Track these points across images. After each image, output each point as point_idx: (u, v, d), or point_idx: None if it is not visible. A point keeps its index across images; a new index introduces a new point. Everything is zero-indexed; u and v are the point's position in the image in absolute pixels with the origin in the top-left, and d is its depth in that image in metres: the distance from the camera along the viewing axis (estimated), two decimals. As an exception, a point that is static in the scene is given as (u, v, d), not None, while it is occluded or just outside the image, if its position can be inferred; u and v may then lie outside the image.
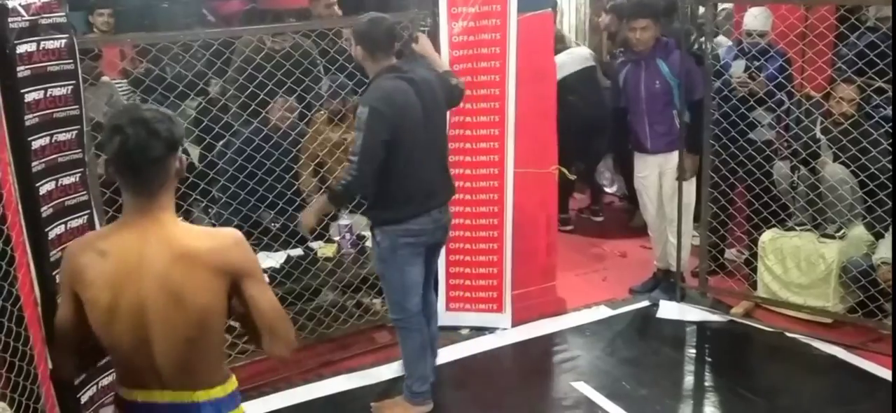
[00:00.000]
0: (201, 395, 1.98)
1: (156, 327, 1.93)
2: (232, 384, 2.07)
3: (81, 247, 2.03)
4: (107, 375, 3.40)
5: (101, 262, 1.94)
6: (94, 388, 3.35)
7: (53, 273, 3.13)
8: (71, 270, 2.01)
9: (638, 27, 4.62)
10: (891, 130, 4.11)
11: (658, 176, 4.79)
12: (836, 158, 4.40)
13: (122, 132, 1.87)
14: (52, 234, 3.15)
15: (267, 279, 4.07)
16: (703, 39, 4.77)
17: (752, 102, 4.55)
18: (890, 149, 4.07)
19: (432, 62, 3.84)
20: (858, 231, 4.35)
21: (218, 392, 2.01)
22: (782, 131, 4.67)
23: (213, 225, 4.38)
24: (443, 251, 4.41)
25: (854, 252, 4.28)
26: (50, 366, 3.09)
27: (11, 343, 2.94)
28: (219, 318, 1.98)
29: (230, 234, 1.98)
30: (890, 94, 4.16)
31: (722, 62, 4.72)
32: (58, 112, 3.15)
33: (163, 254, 1.91)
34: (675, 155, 4.69)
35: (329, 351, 4.29)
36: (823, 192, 4.41)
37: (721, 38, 5.28)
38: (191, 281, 1.90)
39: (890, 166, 4.03)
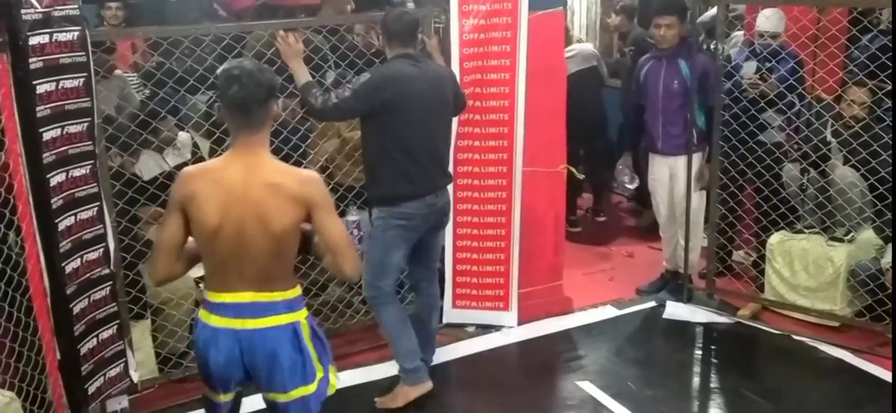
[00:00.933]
0: (277, 296, 2.45)
1: (248, 242, 2.37)
2: (298, 290, 2.52)
3: (197, 174, 2.46)
4: (114, 367, 3.44)
5: (214, 188, 2.37)
6: (102, 380, 3.38)
7: (63, 264, 3.17)
8: (185, 193, 2.40)
9: (663, 24, 4.60)
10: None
11: (669, 177, 4.78)
12: (846, 161, 4.39)
13: (239, 80, 2.33)
14: (61, 226, 3.18)
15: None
16: (714, 42, 4.75)
17: (762, 104, 4.52)
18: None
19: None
20: (867, 235, 4.33)
21: (289, 294, 2.47)
22: (792, 134, 4.64)
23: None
24: (450, 249, 4.44)
25: (863, 256, 4.26)
26: (58, 356, 3.13)
27: (20, 333, 2.97)
28: (294, 237, 2.43)
29: (308, 175, 2.49)
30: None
31: (733, 63, 4.69)
32: (69, 104, 3.17)
33: (259, 183, 2.36)
34: (685, 158, 4.68)
35: (335, 346, 4.26)
36: (833, 194, 4.39)
37: (737, 35, 5.24)
38: (276, 207, 2.35)
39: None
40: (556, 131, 4.63)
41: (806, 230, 4.49)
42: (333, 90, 3.56)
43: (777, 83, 4.48)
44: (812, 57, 4.73)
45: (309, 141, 4.40)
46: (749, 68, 4.61)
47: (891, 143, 4.11)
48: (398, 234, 3.58)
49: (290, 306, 2.48)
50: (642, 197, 5.71)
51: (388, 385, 3.87)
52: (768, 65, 4.53)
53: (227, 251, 2.39)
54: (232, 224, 2.36)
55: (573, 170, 4.82)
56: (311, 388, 2.54)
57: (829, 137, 4.50)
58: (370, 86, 3.46)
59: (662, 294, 4.87)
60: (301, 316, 2.51)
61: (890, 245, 4.16)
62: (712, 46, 4.74)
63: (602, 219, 6.41)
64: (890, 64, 4.11)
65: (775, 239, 4.55)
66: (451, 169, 3.86)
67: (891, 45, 4.33)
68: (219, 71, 2.45)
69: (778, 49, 4.54)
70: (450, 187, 3.83)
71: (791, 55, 4.56)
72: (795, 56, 4.58)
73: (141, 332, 3.73)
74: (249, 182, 2.36)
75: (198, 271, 4.09)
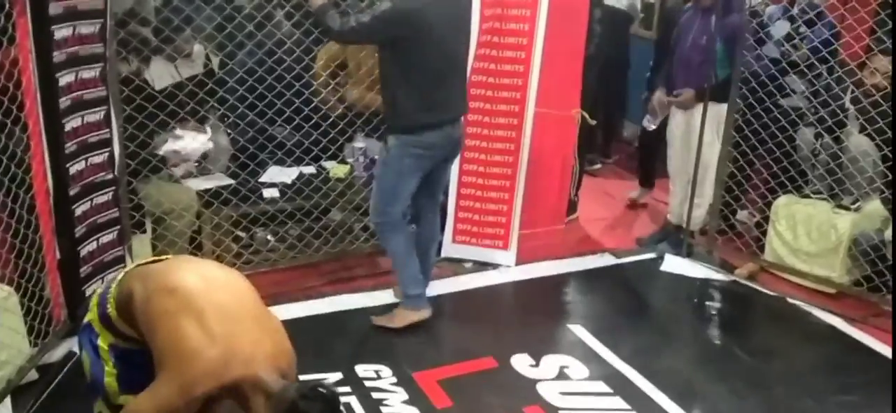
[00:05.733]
0: None
1: None
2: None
3: None
4: (112, 271, 3.50)
5: None
6: (100, 282, 3.44)
7: (67, 165, 3.20)
8: None
9: None
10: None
11: (685, 129, 4.75)
12: (862, 130, 4.32)
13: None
14: (68, 127, 3.20)
15: (276, 194, 4.17)
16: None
17: (784, 65, 4.44)
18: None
19: None
20: (874, 205, 4.30)
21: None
22: (810, 97, 4.57)
23: (229, 134, 4.41)
24: (454, 184, 4.45)
25: (867, 225, 4.24)
26: (58, 256, 3.19)
27: (22, 230, 3.02)
28: None
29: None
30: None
31: (766, 15, 4.59)
32: (82, 4, 3.16)
33: None
34: (699, 109, 4.62)
35: (333, 270, 4.35)
36: (845, 162, 4.35)
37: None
38: None
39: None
40: (571, 74, 4.59)
41: (813, 195, 4.46)
42: (353, 13, 3.50)
43: (809, 53, 4.38)
44: (839, 20, 4.63)
45: (312, 54, 4.35)
46: (781, 28, 4.51)
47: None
48: (414, 163, 3.59)
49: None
50: (643, 171, 5.66)
51: (384, 310, 3.92)
52: (802, 30, 4.43)
53: None
54: None
55: (586, 115, 4.78)
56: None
57: (848, 104, 4.43)
58: (391, 13, 3.37)
59: (662, 246, 4.87)
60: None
61: (896, 217, 4.13)
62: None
63: (597, 166, 6.38)
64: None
65: (781, 201, 4.52)
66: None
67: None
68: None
69: (814, 17, 4.42)
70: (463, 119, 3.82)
71: (828, 25, 4.45)
72: (833, 26, 4.47)
73: (140, 242, 3.78)
74: None
75: (201, 183, 4.17)
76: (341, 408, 1.99)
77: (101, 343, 2.19)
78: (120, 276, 2.23)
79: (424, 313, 3.81)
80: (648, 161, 5.61)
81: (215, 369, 1.90)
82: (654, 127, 4.95)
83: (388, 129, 3.65)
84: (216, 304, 2.01)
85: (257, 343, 2.00)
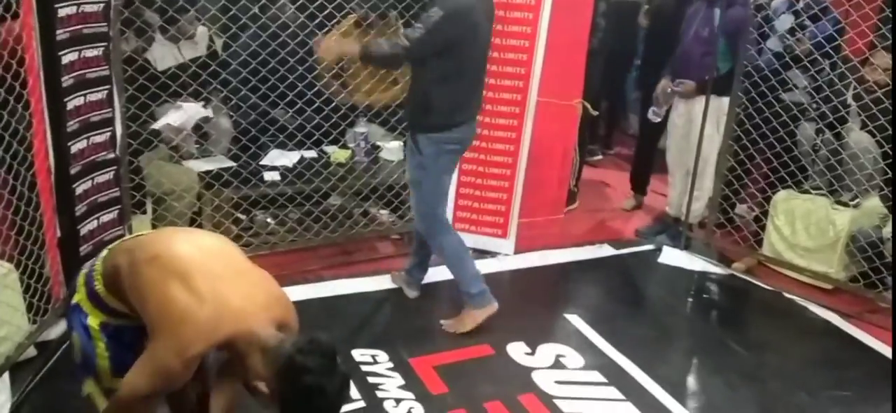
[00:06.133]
0: None
1: None
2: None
3: None
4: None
5: None
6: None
7: (69, 144, 3.21)
8: None
9: None
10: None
11: (686, 120, 4.76)
12: (863, 126, 4.33)
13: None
14: (70, 106, 3.20)
15: (277, 177, 4.17)
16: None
17: (787, 59, 4.43)
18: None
19: None
20: (874, 202, 4.31)
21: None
22: (813, 92, 4.56)
23: (231, 117, 4.42)
24: (455, 171, 4.45)
25: (866, 222, 4.24)
26: (58, 234, 3.20)
27: (23, 207, 3.02)
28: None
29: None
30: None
31: (772, 11, 4.58)
32: (86, -18, 3.15)
33: None
34: (701, 102, 4.63)
35: (331, 254, 4.37)
36: (845, 158, 4.35)
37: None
38: None
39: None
40: (575, 64, 4.59)
41: (813, 191, 4.47)
42: (402, 32, 3.44)
43: (811, 48, 4.36)
44: (844, 16, 4.61)
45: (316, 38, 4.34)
46: (785, 22, 4.51)
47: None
48: (449, 159, 3.60)
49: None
50: (636, 179, 5.65)
51: (382, 298, 3.94)
52: (806, 23, 4.41)
53: None
54: None
55: (587, 105, 4.78)
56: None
57: (849, 100, 4.43)
58: (444, 21, 3.29)
59: (661, 238, 4.89)
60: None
61: (894, 215, 4.14)
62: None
63: (598, 158, 6.39)
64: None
65: (780, 196, 4.53)
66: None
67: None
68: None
69: (818, 12, 4.41)
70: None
71: (832, 20, 4.44)
72: (837, 21, 4.46)
73: (141, 223, 3.79)
74: None
75: (202, 165, 4.19)
76: (339, 358, 1.98)
77: (92, 322, 2.17)
78: (104, 253, 2.22)
79: (492, 308, 3.71)
80: (642, 167, 5.58)
81: (207, 328, 1.91)
82: (659, 119, 4.93)
83: (416, 128, 3.56)
84: (201, 265, 2.01)
85: (247, 296, 2.00)
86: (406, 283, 4.03)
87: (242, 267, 2.11)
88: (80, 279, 2.22)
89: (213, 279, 1.98)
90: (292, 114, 4.32)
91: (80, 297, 2.20)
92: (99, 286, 2.16)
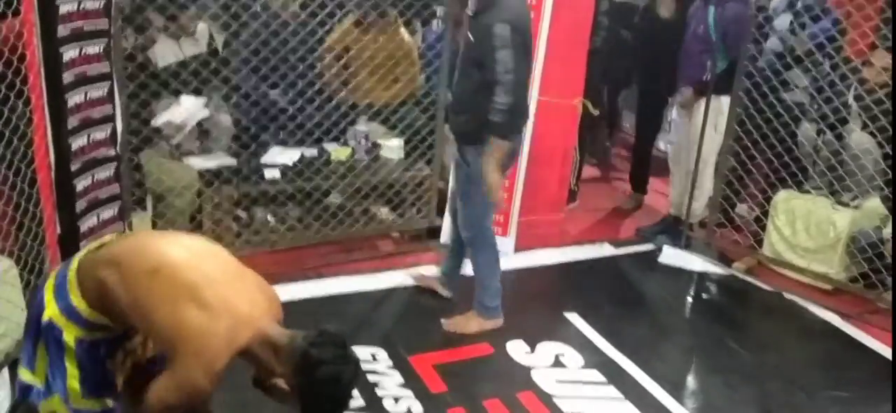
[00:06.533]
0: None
1: None
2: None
3: None
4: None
5: None
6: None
7: (69, 140, 3.20)
8: None
9: None
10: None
11: (686, 120, 4.76)
12: (864, 127, 4.32)
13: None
14: (71, 102, 3.19)
15: (277, 174, 4.17)
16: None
17: (788, 60, 4.43)
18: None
19: None
20: (874, 203, 4.31)
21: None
22: (815, 93, 4.56)
23: (232, 115, 4.42)
24: (453, 167, 4.45)
25: (866, 223, 4.24)
26: (58, 230, 3.20)
27: (23, 203, 3.02)
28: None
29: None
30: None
31: (772, 9, 4.58)
32: (87, -21, 3.15)
33: None
34: (701, 103, 4.63)
35: (331, 252, 4.37)
36: (846, 159, 4.35)
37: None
38: None
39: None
40: (575, 64, 4.59)
41: (813, 191, 4.47)
42: (496, 66, 3.24)
43: (807, 40, 4.37)
44: (846, 16, 4.61)
45: (316, 37, 4.34)
46: (785, 21, 4.51)
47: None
48: (502, 170, 3.50)
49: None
50: (635, 178, 5.64)
51: (382, 297, 3.94)
52: (802, 21, 4.42)
53: None
54: None
55: (588, 104, 4.78)
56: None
57: (851, 100, 4.43)
58: (514, 33, 3.23)
59: (661, 237, 4.88)
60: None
61: (895, 216, 4.14)
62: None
63: (595, 161, 6.38)
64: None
65: (781, 196, 4.53)
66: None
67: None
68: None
69: (817, 8, 4.40)
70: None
71: (832, 19, 4.43)
72: (837, 21, 4.45)
73: (141, 220, 3.79)
74: None
75: (203, 162, 4.19)
76: (347, 342, 2.02)
77: (67, 338, 2.07)
78: (73, 265, 2.12)
79: (498, 322, 3.74)
80: (640, 166, 5.59)
81: (228, 340, 1.93)
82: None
83: (467, 140, 3.49)
84: (203, 274, 2.00)
85: (252, 301, 2.01)
86: (441, 285, 4.00)
87: (236, 269, 2.11)
88: (48, 294, 2.12)
89: (218, 287, 1.99)
90: (293, 111, 4.31)
91: (51, 312, 2.10)
92: (76, 301, 2.08)
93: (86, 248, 2.23)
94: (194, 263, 2.03)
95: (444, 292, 3.99)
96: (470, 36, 3.39)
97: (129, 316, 2.04)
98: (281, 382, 2.07)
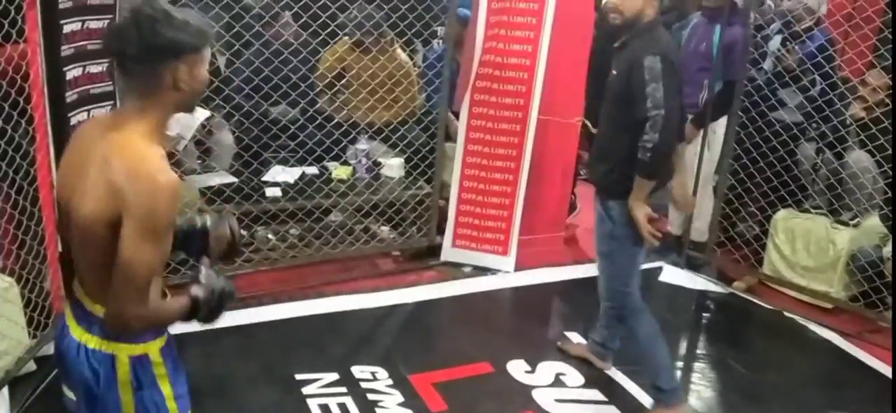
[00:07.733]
0: (93, 306, 1.78)
1: (70, 222, 1.73)
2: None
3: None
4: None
5: (67, 151, 1.80)
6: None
7: (72, 159, 3.21)
8: None
9: None
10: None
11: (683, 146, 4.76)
12: (863, 146, 4.34)
13: (120, 30, 1.69)
14: (74, 121, 3.21)
15: (278, 193, 4.17)
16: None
17: (787, 78, 4.45)
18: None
19: None
20: (873, 221, 4.31)
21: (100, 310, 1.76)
22: (813, 112, 4.58)
23: (234, 132, 4.44)
24: (455, 189, 4.47)
25: (866, 241, 4.25)
26: (60, 249, 3.20)
27: (25, 221, 3.03)
28: (101, 237, 1.66)
29: (146, 172, 1.65)
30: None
31: (768, 30, 4.61)
32: (92, -1, 3.18)
33: (97, 154, 1.68)
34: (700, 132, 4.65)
35: (332, 271, 4.37)
36: (845, 178, 4.37)
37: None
38: (89, 187, 1.66)
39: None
40: (575, 82, 4.61)
41: (813, 210, 4.48)
42: (648, 104, 2.86)
43: (803, 58, 4.39)
44: (843, 36, 4.64)
45: (310, 63, 4.38)
46: (776, 42, 4.54)
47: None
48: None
49: (105, 332, 1.76)
50: None
51: (382, 315, 3.92)
52: (796, 41, 4.44)
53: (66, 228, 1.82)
54: (65, 196, 1.75)
55: (588, 123, 4.80)
56: None
57: (849, 119, 4.45)
58: (666, 65, 2.87)
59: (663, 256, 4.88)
60: (127, 349, 1.78)
61: (894, 235, 4.14)
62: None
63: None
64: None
65: (780, 215, 4.54)
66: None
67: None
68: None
69: (811, 26, 4.44)
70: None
71: (823, 34, 4.46)
72: (828, 37, 4.48)
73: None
74: (92, 151, 1.70)
75: (204, 180, 4.20)
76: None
77: (152, 354, 1.82)
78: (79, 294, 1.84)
79: (684, 409, 3.26)
80: None
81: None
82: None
83: (611, 193, 3.09)
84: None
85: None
86: (599, 357, 3.61)
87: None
88: (86, 342, 1.79)
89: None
90: (294, 130, 4.33)
91: (147, 348, 1.81)
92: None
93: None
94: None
95: (603, 365, 3.59)
96: (613, 71, 3.07)
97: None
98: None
